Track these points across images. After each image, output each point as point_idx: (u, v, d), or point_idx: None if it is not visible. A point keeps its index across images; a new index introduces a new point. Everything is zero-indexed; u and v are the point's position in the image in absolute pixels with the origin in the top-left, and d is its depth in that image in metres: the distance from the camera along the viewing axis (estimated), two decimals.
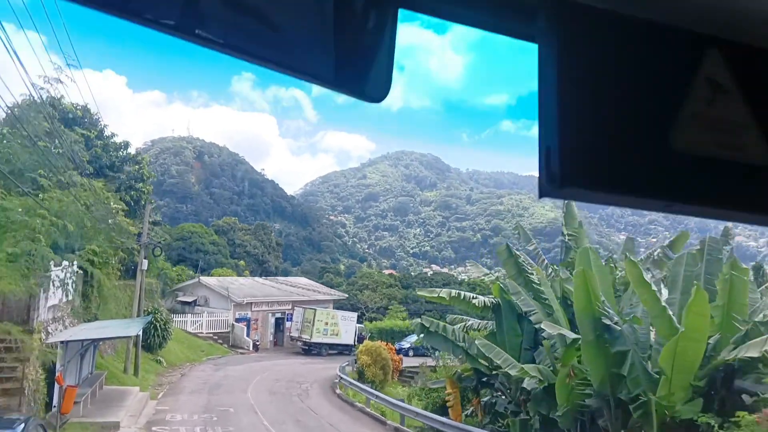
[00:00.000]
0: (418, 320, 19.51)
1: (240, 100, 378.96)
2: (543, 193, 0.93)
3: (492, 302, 18.76)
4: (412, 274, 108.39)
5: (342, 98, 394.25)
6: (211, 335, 46.59)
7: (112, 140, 38.51)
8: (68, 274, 21.94)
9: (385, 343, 41.60)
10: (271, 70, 0.97)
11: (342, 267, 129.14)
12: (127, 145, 39.01)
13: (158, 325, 35.35)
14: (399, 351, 44.19)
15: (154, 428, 21.31)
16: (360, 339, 50.02)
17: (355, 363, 38.11)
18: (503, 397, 19.09)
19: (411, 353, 49.07)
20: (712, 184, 0.99)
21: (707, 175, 0.98)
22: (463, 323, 19.77)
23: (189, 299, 50.80)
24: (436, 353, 53.92)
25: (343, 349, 48.89)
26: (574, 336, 14.71)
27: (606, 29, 0.97)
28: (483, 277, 21.28)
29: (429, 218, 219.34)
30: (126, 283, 36.68)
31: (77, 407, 21.02)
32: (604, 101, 0.94)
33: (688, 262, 15.02)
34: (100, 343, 29.42)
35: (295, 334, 48.66)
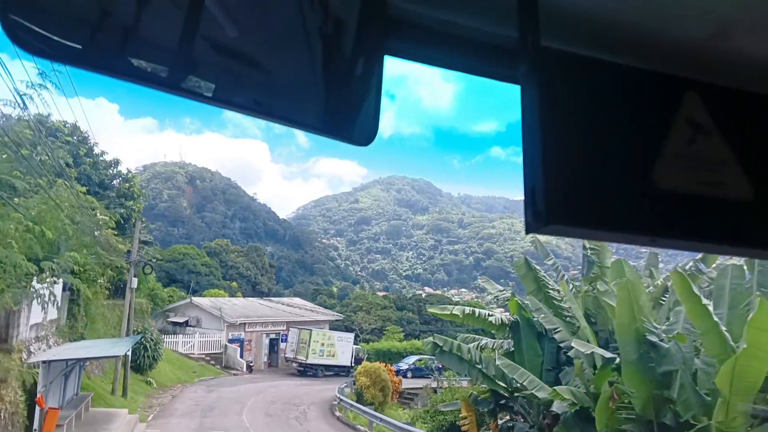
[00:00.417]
0: (431, 339, 17.90)
1: (232, 126, 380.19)
2: (530, 230, 0.94)
3: (510, 320, 17.17)
4: (407, 296, 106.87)
5: None
6: (204, 356, 44.62)
7: (101, 158, 36.95)
8: (47, 287, 20.09)
9: (384, 365, 39.93)
10: (262, 120, 0.96)
11: (335, 289, 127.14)
12: (117, 162, 37.47)
13: (148, 346, 33.53)
14: (398, 372, 42.56)
15: None
16: (357, 360, 48.20)
17: (354, 384, 36.35)
18: (523, 420, 17.47)
19: (410, 374, 47.59)
20: (695, 220, 1.01)
21: (689, 211, 1.00)
22: (476, 342, 18.14)
23: (180, 320, 48.88)
24: (434, 374, 52.44)
25: (339, 371, 47.07)
26: (610, 355, 13.20)
27: (587, 74, 0.99)
28: (496, 294, 19.56)
29: (421, 241, 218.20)
30: (115, 302, 34.91)
31: (60, 431, 19.24)
32: (586, 141, 0.95)
33: (735, 274, 13.49)
34: (87, 363, 27.60)
35: (290, 355, 46.74)
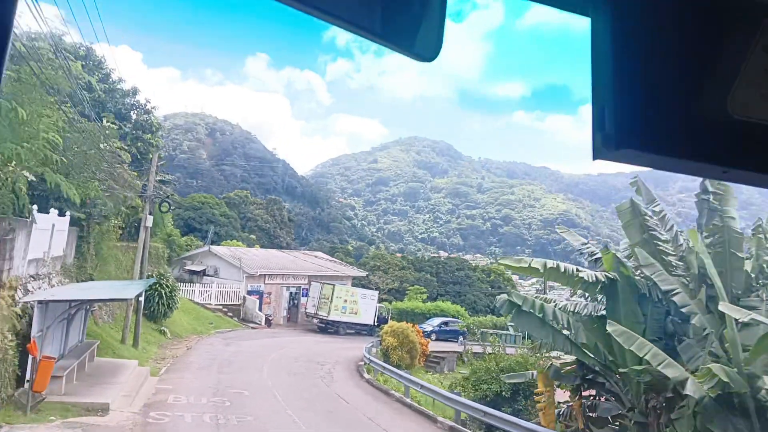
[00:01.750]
0: (504, 297, 14.47)
1: (254, 80, 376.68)
2: (597, 155, 0.91)
3: (607, 277, 13.56)
4: (426, 257, 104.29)
5: (355, 83, 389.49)
6: (221, 307, 41.93)
7: (118, 86, 33.52)
8: (32, 212, 16.74)
9: (412, 325, 37.09)
10: (318, 19, 0.91)
11: (350, 248, 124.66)
12: (135, 91, 33.83)
13: (163, 292, 30.72)
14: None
15: (153, 413, 16.62)
16: (381, 320, 45.43)
17: (380, 344, 33.48)
18: (607, 399, 14.24)
19: (433, 337, 44.76)
20: None
21: (765, 142, 0.95)
22: (552, 303, 14.62)
23: (198, 268, 46.14)
24: (459, 338, 49.57)
25: (361, 329, 44.36)
26: None
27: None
28: (580, 247, 15.81)
29: (439, 205, 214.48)
30: (129, 244, 32.04)
31: (58, 383, 16.40)
32: (658, 67, 0.92)
33: None
34: (94, 308, 24.80)
35: (311, 310, 43.96)
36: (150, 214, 25.43)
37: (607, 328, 11.61)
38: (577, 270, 13.71)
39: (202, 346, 30.64)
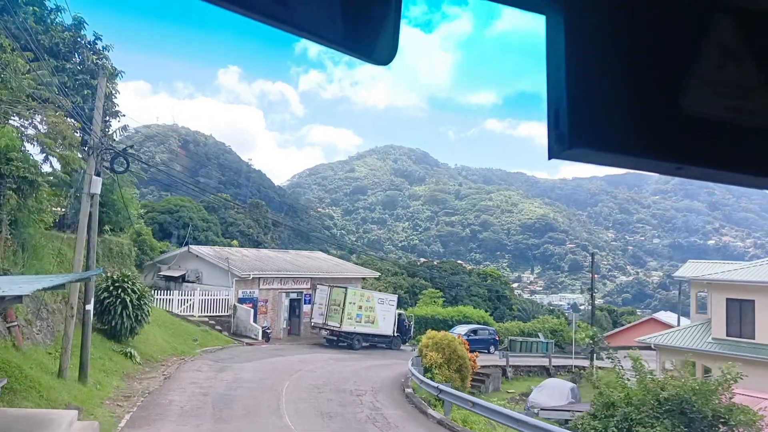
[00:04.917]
0: None
1: (226, 92, 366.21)
2: (552, 155, 0.91)
3: None
4: (417, 263, 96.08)
5: (328, 93, 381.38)
6: (206, 319, 32.01)
7: (58, 19, 23.57)
8: None
9: (458, 336, 28.17)
10: (287, 32, 0.90)
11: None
12: (80, 23, 23.83)
13: (128, 300, 21.02)
14: None
15: None
16: (402, 329, 36.21)
17: (421, 361, 24.28)
18: None
19: None
20: (723, 148, 0.95)
21: (718, 138, 0.94)
22: None
23: (176, 273, 36.20)
24: (491, 349, 40.30)
25: (379, 342, 35.03)
26: None
27: None
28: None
29: (418, 212, 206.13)
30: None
31: None
32: (612, 65, 0.92)
33: None
34: (15, 321, 15.09)
35: (318, 320, 34.30)
36: (97, 175, 15.74)
37: None
38: None
39: (186, 373, 20.90)
